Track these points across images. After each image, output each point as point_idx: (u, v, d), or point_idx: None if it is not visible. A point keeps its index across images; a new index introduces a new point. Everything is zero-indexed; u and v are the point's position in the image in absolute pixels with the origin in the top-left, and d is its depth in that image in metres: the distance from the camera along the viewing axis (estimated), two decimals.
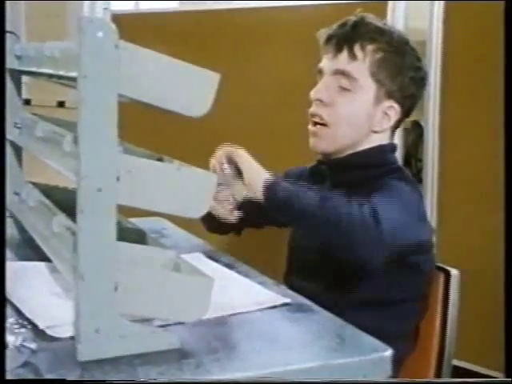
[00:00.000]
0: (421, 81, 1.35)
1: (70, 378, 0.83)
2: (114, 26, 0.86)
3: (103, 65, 0.85)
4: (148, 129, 2.35)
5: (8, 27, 1.54)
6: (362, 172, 1.32)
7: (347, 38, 1.31)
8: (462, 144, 2.03)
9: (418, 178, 2.48)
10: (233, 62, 2.30)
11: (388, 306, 1.28)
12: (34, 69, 1.25)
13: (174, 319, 0.95)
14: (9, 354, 0.83)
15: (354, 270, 1.22)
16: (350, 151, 1.33)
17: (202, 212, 0.92)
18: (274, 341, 0.96)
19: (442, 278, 1.33)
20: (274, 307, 1.09)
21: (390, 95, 1.31)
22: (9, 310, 1.00)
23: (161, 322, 0.95)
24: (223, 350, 0.92)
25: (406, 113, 1.36)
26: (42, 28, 3.57)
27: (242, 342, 0.96)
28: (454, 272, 1.33)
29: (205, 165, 0.93)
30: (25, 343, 0.84)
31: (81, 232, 0.87)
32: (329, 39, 1.33)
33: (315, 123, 1.33)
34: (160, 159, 1.05)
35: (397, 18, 2.02)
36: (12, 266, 1.21)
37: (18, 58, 1.41)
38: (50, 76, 1.17)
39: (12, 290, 1.08)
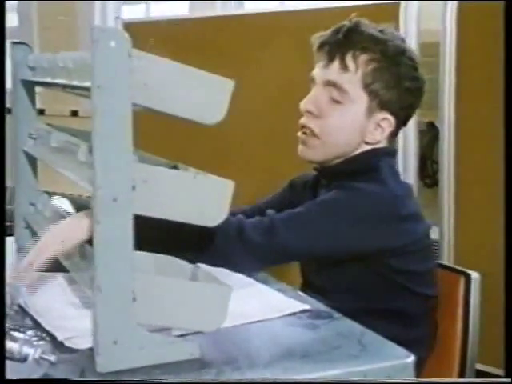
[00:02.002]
0: (418, 91, 1.31)
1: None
2: (126, 35, 0.86)
3: (117, 74, 0.85)
4: (162, 137, 2.36)
5: (21, 39, 1.55)
6: (351, 178, 1.28)
7: (339, 46, 1.27)
8: (478, 144, 2.02)
9: (433, 179, 2.47)
10: (244, 67, 2.29)
11: (391, 312, 1.26)
12: (47, 79, 1.25)
13: (192, 329, 0.94)
14: (28, 366, 0.83)
15: (357, 282, 1.22)
16: (338, 160, 1.31)
17: (220, 219, 0.91)
18: (294, 348, 0.95)
19: (462, 281, 1.32)
20: (294, 314, 1.08)
21: (383, 107, 1.28)
22: (27, 322, 1.00)
23: (179, 332, 0.94)
24: (243, 359, 0.91)
25: (403, 123, 1.33)
26: (55, 39, 3.59)
27: (262, 350, 0.95)
28: (474, 275, 1.32)
29: (218, 171, 0.92)
30: (44, 355, 0.84)
31: (97, 242, 0.86)
32: (321, 46, 1.30)
33: (304, 132, 1.31)
34: (175, 167, 1.05)
35: (409, 19, 2.00)
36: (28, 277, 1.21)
37: (32, 68, 1.41)
38: (64, 86, 1.17)
39: (30, 302, 1.08)
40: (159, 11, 3.50)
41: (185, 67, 0.89)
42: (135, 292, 0.87)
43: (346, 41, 1.27)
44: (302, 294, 1.18)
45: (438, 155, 2.11)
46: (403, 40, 1.33)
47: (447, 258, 2.03)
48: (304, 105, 1.30)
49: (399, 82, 1.28)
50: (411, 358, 0.92)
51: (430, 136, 2.45)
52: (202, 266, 1.02)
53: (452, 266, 1.46)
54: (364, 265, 1.23)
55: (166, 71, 0.88)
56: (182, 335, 0.94)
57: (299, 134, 1.32)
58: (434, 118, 2.15)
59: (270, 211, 1.24)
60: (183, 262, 1.05)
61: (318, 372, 0.89)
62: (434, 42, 2.00)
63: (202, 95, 0.90)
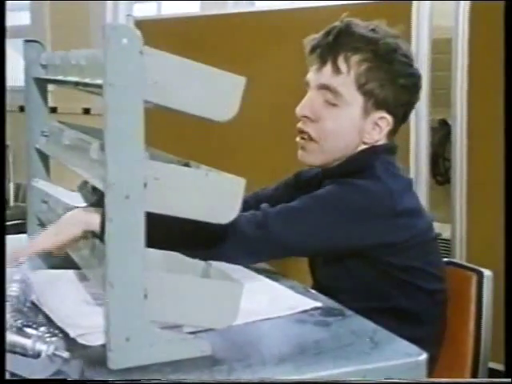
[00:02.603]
0: (414, 87, 1.31)
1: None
2: (138, 33, 0.86)
3: (128, 71, 0.85)
4: (172, 134, 2.36)
5: (33, 37, 1.55)
6: (350, 176, 1.27)
7: (330, 49, 1.27)
8: (490, 142, 2.00)
9: (445, 177, 2.45)
10: (255, 65, 2.29)
11: (396, 310, 1.25)
12: (60, 77, 1.26)
13: (204, 326, 0.94)
14: (41, 362, 0.83)
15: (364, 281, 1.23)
16: (338, 162, 1.31)
17: (232, 217, 0.91)
18: (305, 346, 0.95)
19: (474, 279, 1.31)
20: (305, 311, 1.08)
21: (379, 106, 1.27)
22: (40, 319, 1.00)
23: (191, 329, 0.95)
24: (255, 356, 0.91)
25: (401, 121, 1.32)
26: (67, 37, 3.59)
27: (274, 347, 0.95)
28: (486, 273, 1.31)
29: (228, 170, 0.92)
30: (57, 352, 0.84)
31: (109, 239, 0.86)
32: (313, 50, 1.30)
33: (302, 137, 1.31)
34: (187, 165, 1.05)
35: (422, 15, 1.99)
36: (43, 273, 1.21)
37: (44, 66, 1.42)
38: (76, 84, 1.18)
39: (42, 299, 1.08)
40: (170, 10, 3.50)
41: (196, 64, 0.89)
42: (147, 289, 0.87)
43: (336, 43, 1.27)
44: (313, 291, 1.18)
45: (450, 153, 2.10)
46: (397, 37, 1.30)
47: (459, 255, 2.02)
48: (300, 110, 1.30)
49: (394, 80, 1.27)
50: (423, 356, 0.92)
51: (441, 133, 2.43)
52: (214, 263, 1.02)
53: (464, 263, 1.45)
54: (365, 262, 1.23)
55: (177, 68, 0.88)
56: (193, 332, 0.94)
57: (298, 139, 1.33)
58: (446, 115, 2.14)
59: (264, 205, 1.24)
60: (194, 260, 1.06)
61: (331, 369, 0.89)
62: (447, 39, 1.99)
63: (214, 92, 0.90)
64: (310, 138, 1.30)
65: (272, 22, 2.38)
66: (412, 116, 2.13)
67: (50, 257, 1.33)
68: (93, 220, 1.05)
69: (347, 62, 1.26)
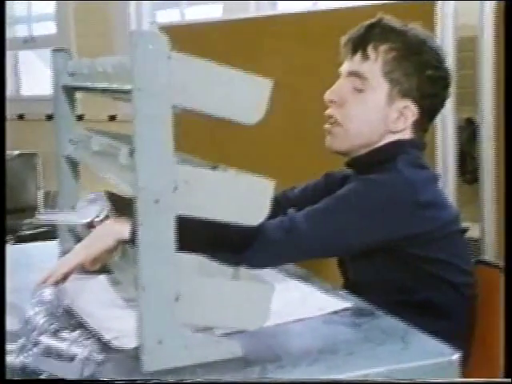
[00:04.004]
0: (441, 80, 1.32)
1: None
2: (165, 38, 0.87)
3: (156, 76, 0.86)
4: (199, 139, 2.37)
5: (59, 46, 1.57)
6: (375, 168, 1.28)
7: (362, 39, 1.31)
8: None
9: (473, 175, 2.43)
10: (279, 67, 2.30)
11: (423, 303, 1.25)
12: (87, 84, 1.27)
13: (235, 328, 0.95)
14: (76, 365, 0.84)
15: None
16: (364, 150, 1.32)
17: (261, 218, 0.92)
18: (336, 346, 0.95)
19: (503, 278, 1.30)
20: (335, 313, 1.08)
21: (404, 94, 1.29)
22: (73, 323, 1.02)
23: (222, 331, 0.95)
24: (287, 357, 0.91)
25: (427, 114, 1.33)
26: (91, 45, 3.63)
27: (305, 348, 0.95)
28: None
29: (256, 172, 0.92)
30: (91, 355, 0.85)
31: (140, 243, 0.87)
32: (346, 43, 1.34)
33: (330, 122, 1.34)
34: (215, 168, 1.06)
35: (446, 14, 1.98)
36: (73, 278, 1.23)
37: (72, 74, 1.44)
38: (104, 90, 1.19)
39: (75, 303, 1.10)
40: (193, 15, 3.52)
41: (223, 68, 0.90)
42: (178, 292, 0.88)
43: (367, 34, 1.31)
44: (342, 292, 1.18)
45: (478, 152, 2.08)
46: (427, 33, 1.34)
47: (488, 254, 2.00)
48: (328, 95, 1.33)
49: (420, 70, 1.29)
50: (456, 356, 0.91)
51: (469, 132, 2.42)
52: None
53: (493, 262, 1.44)
54: (391, 256, 1.23)
55: (204, 72, 0.89)
56: (224, 334, 0.94)
57: (326, 125, 1.35)
58: (473, 113, 2.12)
59: (290, 210, 1.25)
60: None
61: (362, 370, 0.89)
62: (472, 37, 1.98)
63: (241, 95, 0.90)
64: (337, 123, 1.32)
65: (295, 25, 2.38)
66: (438, 115, 2.14)
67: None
68: (124, 229, 1.07)
69: (376, 50, 1.30)
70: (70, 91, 1.49)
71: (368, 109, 1.30)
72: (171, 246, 0.88)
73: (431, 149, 2.14)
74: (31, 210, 4.19)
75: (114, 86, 1.08)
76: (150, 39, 0.86)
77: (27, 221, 4.03)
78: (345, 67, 1.34)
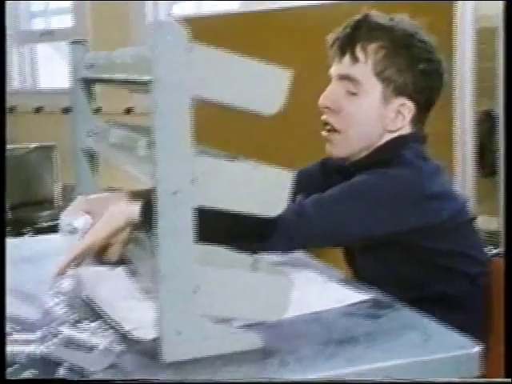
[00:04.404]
0: (435, 72, 1.30)
1: (157, 378, 0.84)
2: (184, 29, 0.86)
3: (176, 67, 0.86)
4: (217, 131, 2.36)
5: (77, 38, 1.57)
6: (379, 167, 1.26)
7: (348, 40, 1.29)
8: None
9: (492, 169, 2.41)
10: (296, 60, 2.29)
11: (437, 296, 1.24)
12: (105, 76, 1.27)
13: (254, 319, 0.94)
14: (96, 356, 0.85)
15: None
16: (365, 152, 1.31)
17: (280, 210, 0.92)
18: (357, 338, 0.95)
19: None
20: (354, 305, 1.07)
21: (399, 92, 1.27)
22: (93, 314, 1.02)
23: (241, 323, 0.95)
24: (306, 349, 0.91)
25: (424, 107, 1.31)
26: (108, 38, 3.64)
27: (324, 340, 0.94)
28: None
29: (273, 162, 0.92)
30: (111, 345, 0.85)
31: (160, 235, 0.87)
32: (333, 44, 1.32)
33: (327, 130, 1.32)
34: (233, 159, 1.05)
35: (465, 4, 1.96)
36: (92, 270, 1.23)
37: (90, 66, 1.43)
38: (123, 82, 1.19)
39: (93, 294, 1.10)
40: (210, 7, 3.51)
41: (242, 58, 0.89)
42: (197, 283, 0.88)
43: (354, 34, 1.29)
44: (361, 284, 1.17)
45: (496, 145, 2.07)
46: (416, 26, 1.31)
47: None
48: (321, 101, 1.31)
49: (412, 65, 1.27)
50: (477, 349, 0.91)
51: (487, 125, 2.40)
52: (263, 257, 1.03)
53: None
54: (401, 250, 1.23)
55: (223, 63, 0.89)
56: (243, 326, 0.94)
57: (323, 132, 1.33)
58: (492, 106, 2.10)
59: (299, 197, 1.24)
60: (242, 255, 1.06)
61: (382, 362, 0.88)
62: (492, 28, 1.96)
63: (260, 86, 0.90)
64: (334, 130, 1.31)
65: (314, 17, 2.37)
66: (457, 108, 2.12)
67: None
68: (133, 210, 1.07)
69: (364, 51, 1.27)
70: (87, 83, 1.49)
71: (364, 112, 1.28)
72: (190, 237, 0.88)
73: (449, 142, 2.13)
74: (48, 203, 4.23)
75: (133, 77, 1.08)
76: (168, 30, 0.86)
77: (44, 213, 4.06)
78: (335, 70, 1.32)
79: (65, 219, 1.18)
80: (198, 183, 0.88)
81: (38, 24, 4.89)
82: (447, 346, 0.92)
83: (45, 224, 3.73)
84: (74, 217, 1.17)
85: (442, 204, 1.23)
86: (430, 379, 0.89)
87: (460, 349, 0.91)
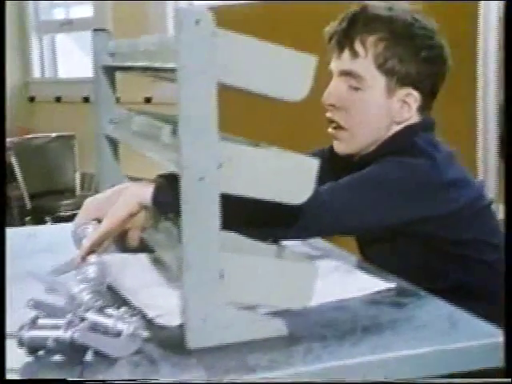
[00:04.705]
0: (438, 58, 1.28)
1: (183, 364, 0.84)
2: (210, 15, 0.86)
3: (201, 53, 0.85)
4: (239, 119, 2.36)
5: (97, 27, 1.57)
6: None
7: (346, 34, 1.27)
8: None
9: None
10: (320, 49, 2.27)
11: (458, 289, 1.23)
12: (128, 64, 1.27)
13: (279, 306, 0.94)
14: (122, 341, 0.85)
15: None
16: (374, 146, 1.29)
17: (306, 197, 0.91)
18: (381, 326, 0.94)
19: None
20: (378, 293, 1.07)
21: (403, 83, 1.26)
22: (118, 300, 1.02)
23: (266, 310, 0.95)
24: (332, 337, 0.91)
25: (430, 94, 1.30)
26: (128, 27, 3.65)
27: (349, 328, 0.94)
28: None
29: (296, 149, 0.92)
30: (137, 331, 0.86)
31: (185, 222, 0.87)
32: (330, 38, 1.30)
33: (334, 127, 1.30)
34: (257, 146, 1.05)
35: None
36: (116, 257, 1.24)
37: (112, 54, 1.44)
38: (145, 69, 1.19)
39: (118, 281, 1.11)
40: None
41: (268, 44, 0.89)
42: (223, 270, 0.88)
43: (351, 27, 1.27)
44: (385, 272, 1.17)
45: None
46: (415, 11, 1.29)
47: None
48: (325, 99, 1.30)
49: (414, 54, 1.25)
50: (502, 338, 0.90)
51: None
52: (287, 245, 1.02)
53: None
54: (418, 240, 1.22)
55: (249, 49, 0.88)
56: (268, 313, 0.94)
57: (329, 129, 1.32)
58: None
59: None
60: (267, 242, 1.06)
61: (407, 350, 0.88)
62: None
63: (286, 72, 0.89)
64: (340, 127, 1.29)
65: (336, 5, 2.35)
66: (479, 97, 2.10)
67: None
68: (146, 193, 1.06)
69: (364, 45, 1.25)
70: (110, 71, 1.49)
71: (369, 107, 1.27)
72: (216, 223, 0.88)
73: (472, 132, 2.11)
74: (69, 192, 4.26)
75: (156, 64, 1.08)
76: (195, 16, 0.85)
77: (65, 202, 4.10)
78: (335, 65, 1.29)
79: (76, 232, 1.17)
80: (224, 169, 0.87)
81: (59, 13, 4.91)
82: (474, 334, 0.91)
83: (66, 213, 3.76)
84: (84, 227, 1.16)
85: (459, 191, 1.22)
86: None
87: (486, 337, 0.90)
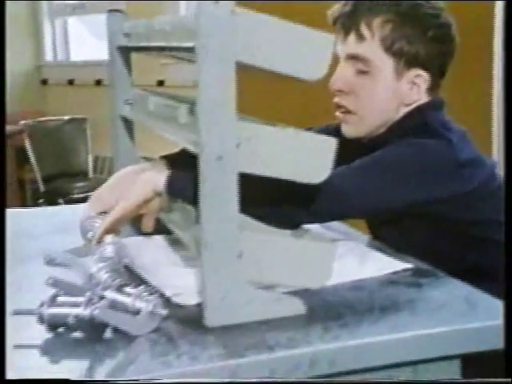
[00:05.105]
0: (446, 37, 1.26)
1: (201, 342, 0.85)
2: None
3: (220, 32, 0.85)
4: (255, 101, 2.36)
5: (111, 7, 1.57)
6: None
7: (351, 17, 1.24)
8: None
9: None
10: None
11: (473, 270, 1.21)
12: (144, 44, 1.27)
13: (298, 286, 0.94)
14: (141, 319, 0.85)
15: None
16: (383, 128, 1.28)
17: (324, 176, 0.91)
18: (399, 306, 0.95)
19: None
20: (396, 273, 1.07)
21: (412, 64, 1.24)
22: (136, 279, 1.03)
23: (284, 289, 0.95)
24: (350, 316, 0.91)
25: (438, 74, 1.28)
26: (141, 8, 3.63)
27: (368, 307, 0.94)
28: None
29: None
30: (156, 309, 0.86)
31: (204, 201, 0.87)
32: (335, 22, 1.27)
33: (342, 112, 1.29)
34: (274, 126, 1.04)
35: None
36: (133, 239, 1.24)
37: (127, 35, 1.43)
38: (161, 49, 1.18)
39: (134, 261, 1.11)
40: None
41: (286, 23, 0.88)
42: (241, 249, 0.88)
43: (356, 10, 1.24)
44: (401, 253, 1.16)
45: None
46: None
47: None
48: (332, 84, 1.27)
49: (422, 34, 1.23)
50: None
51: None
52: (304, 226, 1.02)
53: None
54: (434, 221, 1.20)
55: (268, 28, 0.88)
56: (287, 292, 0.94)
57: (337, 113, 1.30)
58: None
59: None
60: None
61: (425, 329, 0.88)
62: None
63: (304, 51, 0.89)
64: (349, 111, 1.28)
65: None
66: (495, 88, 2.07)
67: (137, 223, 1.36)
68: (159, 180, 1.06)
69: (370, 27, 1.23)
70: (125, 52, 1.49)
71: (378, 90, 1.25)
72: (234, 202, 0.88)
73: (489, 116, 2.09)
74: (83, 174, 4.28)
75: (173, 44, 1.07)
76: None
77: (78, 184, 4.11)
78: (341, 50, 1.27)
79: (83, 224, 1.17)
80: (242, 148, 0.87)
81: None
82: (492, 314, 0.91)
83: (80, 195, 3.78)
84: (91, 221, 1.16)
85: (474, 170, 1.21)
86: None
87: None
